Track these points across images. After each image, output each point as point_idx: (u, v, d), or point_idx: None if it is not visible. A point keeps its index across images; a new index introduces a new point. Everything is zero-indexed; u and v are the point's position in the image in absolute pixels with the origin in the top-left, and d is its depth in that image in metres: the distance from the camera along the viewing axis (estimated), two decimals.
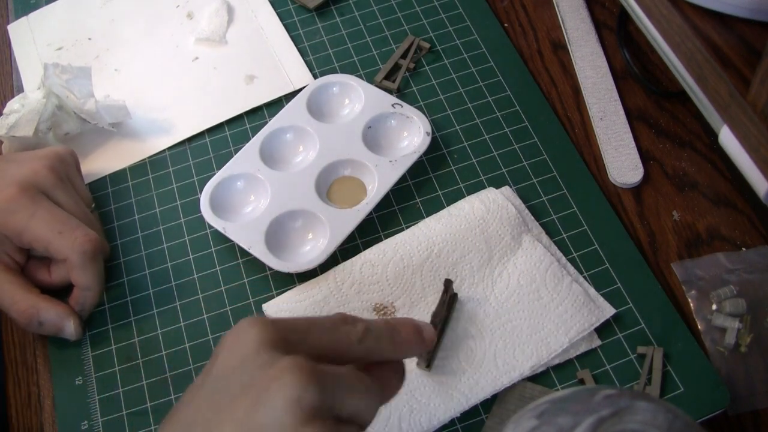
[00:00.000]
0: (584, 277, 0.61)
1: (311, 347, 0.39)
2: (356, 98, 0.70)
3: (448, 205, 0.65)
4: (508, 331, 0.57)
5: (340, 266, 0.61)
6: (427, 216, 0.64)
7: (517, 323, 0.58)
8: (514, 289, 0.59)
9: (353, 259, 0.61)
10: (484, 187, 0.66)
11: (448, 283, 0.58)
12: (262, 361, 0.37)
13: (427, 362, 0.55)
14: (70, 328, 0.58)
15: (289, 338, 0.38)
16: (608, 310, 0.58)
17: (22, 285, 0.58)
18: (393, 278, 0.60)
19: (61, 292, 0.60)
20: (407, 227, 0.64)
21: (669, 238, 0.64)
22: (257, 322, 0.38)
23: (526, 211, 0.63)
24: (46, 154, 0.61)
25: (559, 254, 0.61)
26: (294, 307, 0.59)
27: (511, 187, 0.65)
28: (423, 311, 0.59)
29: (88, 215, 0.61)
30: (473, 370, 0.56)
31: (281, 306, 0.60)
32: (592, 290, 0.59)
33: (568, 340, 0.56)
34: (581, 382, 0.56)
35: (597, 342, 0.57)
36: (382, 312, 0.59)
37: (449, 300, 0.58)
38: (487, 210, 0.62)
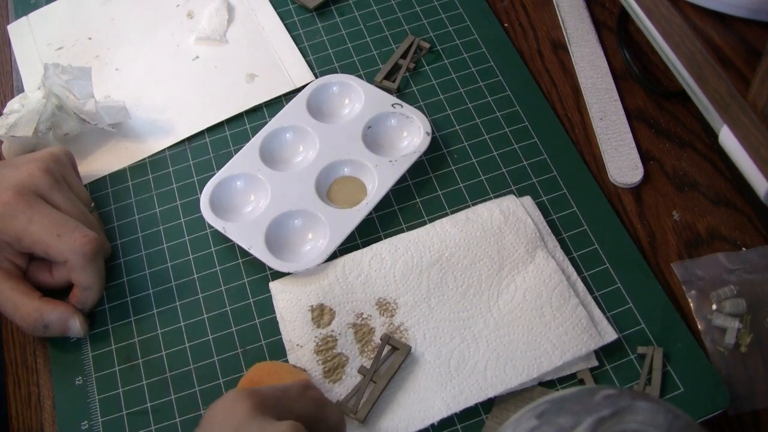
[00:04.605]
0: (587, 283, 0.61)
1: (289, 410, 0.46)
2: (356, 98, 0.70)
3: (448, 206, 0.65)
4: (503, 344, 0.57)
5: (350, 255, 0.61)
6: (427, 216, 0.64)
7: (514, 337, 0.57)
8: (518, 303, 0.58)
9: (364, 249, 0.61)
10: (483, 187, 0.66)
11: (385, 339, 0.57)
12: (259, 427, 0.43)
13: (354, 412, 0.54)
14: (76, 326, 0.58)
15: (270, 405, 0.45)
16: (609, 336, 0.57)
17: (24, 290, 0.58)
18: (400, 275, 0.60)
19: (62, 292, 0.60)
20: (407, 227, 0.64)
21: (669, 238, 0.64)
22: (244, 394, 0.45)
23: (544, 223, 0.62)
24: (41, 156, 0.61)
25: (571, 270, 0.60)
26: (299, 289, 0.59)
27: (537, 197, 0.65)
28: (424, 313, 0.58)
29: (86, 215, 0.61)
30: (461, 378, 0.55)
31: (287, 286, 0.60)
32: (597, 312, 0.58)
33: (561, 362, 0.56)
34: (581, 382, 0.56)
35: (593, 363, 0.56)
36: (384, 308, 0.59)
37: (388, 355, 0.56)
38: (506, 220, 0.61)
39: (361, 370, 0.56)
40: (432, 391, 0.55)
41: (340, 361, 0.57)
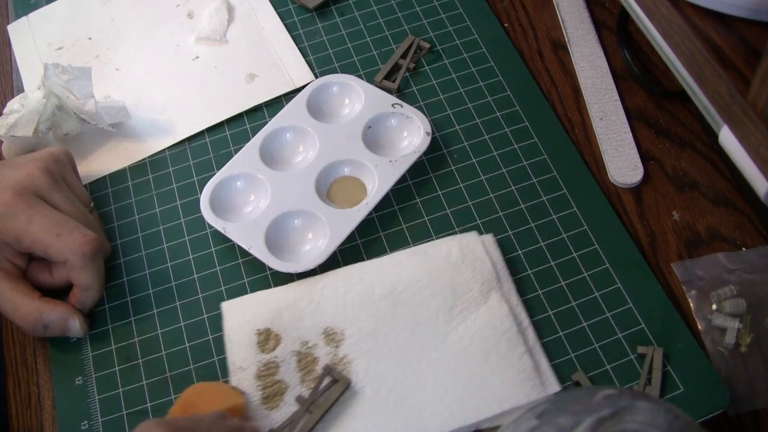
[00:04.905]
0: (586, 283, 0.61)
1: None
2: (356, 98, 0.70)
3: (447, 206, 0.65)
4: (444, 387, 0.55)
5: (305, 281, 0.60)
6: (427, 216, 0.64)
7: (456, 381, 0.55)
8: (465, 345, 0.57)
9: (318, 277, 0.60)
10: (483, 187, 0.66)
11: (326, 369, 0.56)
12: None
13: None
14: (76, 326, 0.58)
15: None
16: (553, 388, 0.55)
17: (24, 290, 0.58)
18: (351, 306, 0.58)
19: (62, 292, 0.60)
20: (407, 227, 0.64)
21: (669, 238, 0.64)
22: (157, 423, 0.47)
23: (503, 264, 0.61)
24: (41, 156, 0.60)
25: (524, 316, 0.59)
26: (249, 312, 0.58)
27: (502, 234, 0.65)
28: (370, 347, 0.57)
29: (85, 215, 0.61)
30: (398, 417, 0.54)
31: (238, 308, 0.59)
32: (544, 362, 0.56)
33: (500, 410, 0.54)
34: (577, 384, 0.56)
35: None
36: (330, 338, 0.57)
37: (328, 386, 0.55)
38: (463, 258, 0.60)
39: (299, 399, 0.55)
40: (366, 427, 0.54)
41: (280, 388, 0.56)
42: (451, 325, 0.58)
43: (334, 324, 0.58)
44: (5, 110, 0.67)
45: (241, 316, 0.58)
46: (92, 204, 0.65)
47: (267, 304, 0.59)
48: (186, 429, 0.47)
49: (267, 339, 0.57)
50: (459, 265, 0.60)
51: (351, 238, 0.63)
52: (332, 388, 0.55)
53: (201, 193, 0.64)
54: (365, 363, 0.56)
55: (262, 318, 0.58)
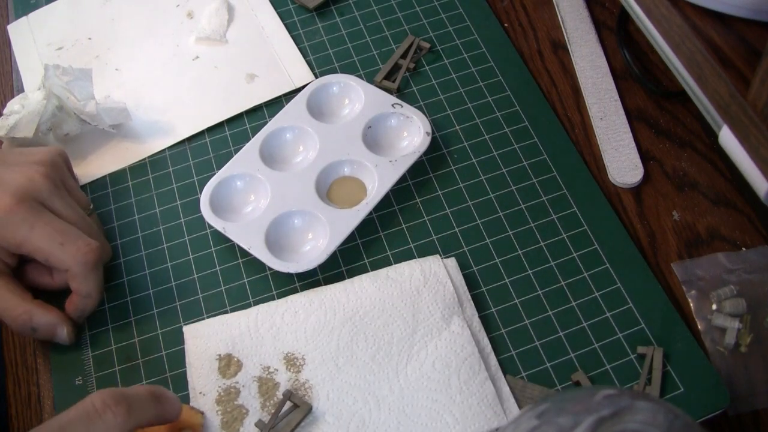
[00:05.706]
0: (586, 283, 0.61)
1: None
2: (356, 98, 0.70)
3: (448, 206, 0.65)
4: (405, 413, 0.54)
5: (265, 306, 0.59)
6: (427, 216, 0.64)
7: (416, 407, 0.55)
8: (426, 371, 0.56)
9: (279, 301, 0.59)
10: (484, 187, 0.66)
11: (287, 395, 0.55)
12: None
13: None
14: (63, 333, 0.58)
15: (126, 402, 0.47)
16: (514, 416, 0.53)
17: (15, 291, 0.57)
18: (311, 331, 0.58)
19: (61, 293, 0.60)
20: (407, 227, 0.64)
21: (669, 238, 0.64)
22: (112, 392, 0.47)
23: (465, 289, 0.60)
24: (40, 159, 0.59)
25: (486, 342, 0.58)
26: (210, 337, 0.58)
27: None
28: (331, 372, 0.56)
29: (86, 220, 0.60)
30: None
31: (199, 332, 0.58)
32: (506, 390, 0.56)
33: None
34: (577, 384, 0.56)
35: None
36: (291, 363, 0.57)
37: (288, 412, 0.55)
38: (425, 282, 0.59)
39: (258, 424, 0.54)
40: None
41: (240, 413, 0.55)
42: (412, 351, 0.57)
43: (295, 349, 0.57)
44: (5, 111, 0.66)
45: (202, 341, 0.58)
46: (91, 206, 0.64)
47: (228, 329, 0.58)
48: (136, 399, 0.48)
49: (228, 364, 0.57)
50: (421, 290, 0.59)
51: (351, 238, 0.63)
52: (293, 414, 0.54)
53: (201, 193, 0.64)
54: (326, 389, 0.56)
55: (224, 343, 0.58)
